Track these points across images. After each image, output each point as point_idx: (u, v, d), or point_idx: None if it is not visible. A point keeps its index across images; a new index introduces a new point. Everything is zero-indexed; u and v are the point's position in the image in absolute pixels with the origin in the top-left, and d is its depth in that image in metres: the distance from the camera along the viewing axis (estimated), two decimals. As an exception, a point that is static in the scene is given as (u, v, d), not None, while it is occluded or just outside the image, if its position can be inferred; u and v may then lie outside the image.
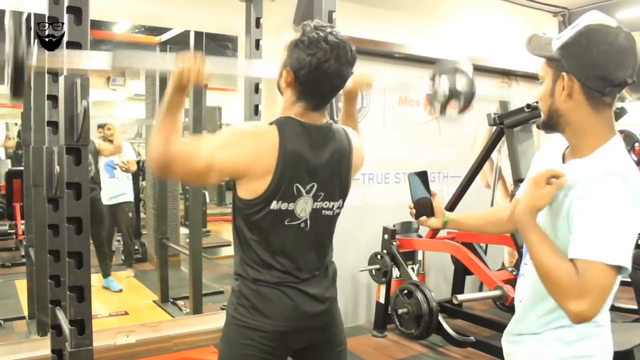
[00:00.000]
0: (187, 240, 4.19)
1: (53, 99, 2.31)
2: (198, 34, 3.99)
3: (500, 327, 2.58)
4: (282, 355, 1.48)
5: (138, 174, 5.56)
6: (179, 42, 4.00)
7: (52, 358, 2.33)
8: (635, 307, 3.63)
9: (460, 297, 3.29)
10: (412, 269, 3.76)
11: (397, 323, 3.45)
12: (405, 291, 3.40)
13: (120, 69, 3.64)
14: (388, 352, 3.55)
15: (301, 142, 1.38)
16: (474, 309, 4.15)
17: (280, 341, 1.42)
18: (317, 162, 1.41)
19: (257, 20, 2.74)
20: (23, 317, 3.65)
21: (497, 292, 3.14)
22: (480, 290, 4.29)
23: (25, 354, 2.93)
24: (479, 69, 4.85)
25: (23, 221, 4.64)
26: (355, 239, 3.94)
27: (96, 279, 4.42)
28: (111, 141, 4.69)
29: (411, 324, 3.36)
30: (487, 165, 4.25)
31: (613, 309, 1.77)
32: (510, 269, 3.51)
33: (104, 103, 5.38)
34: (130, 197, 4.98)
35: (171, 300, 4.19)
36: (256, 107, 2.71)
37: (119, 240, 5.26)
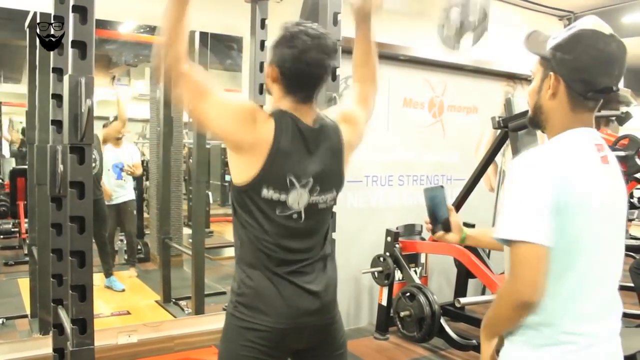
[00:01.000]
0: (190, 240, 4.20)
1: (57, 97, 2.31)
2: (203, 35, 4.00)
3: (502, 331, 2.56)
4: (281, 356, 1.47)
5: (142, 174, 5.57)
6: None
7: (53, 357, 2.34)
8: (639, 312, 3.61)
9: (462, 300, 3.27)
10: (415, 271, 3.75)
11: (399, 326, 3.45)
12: (408, 294, 3.40)
13: None
14: (390, 354, 3.54)
15: (295, 142, 1.40)
16: (476, 312, 4.12)
17: (280, 341, 1.42)
18: (311, 161, 1.42)
19: (263, 21, 2.74)
20: (25, 316, 3.66)
21: (499, 296, 3.12)
22: (483, 293, 4.27)
23: (27, 352, 2.92)
24: (483, 72, 4.83)
25: (27, 219, 4.65)
26: (358, 241, 3.93)
27: (98, 278, 4.41)
28: (119, 139, 4.69)
29: (413, 326, 3.35)
30: (491, 169, 4.23)
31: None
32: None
33: (107, 103, 5.39)
34: (132, 195, 5.00)
35: (173, 300, 4.19)
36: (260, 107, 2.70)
37: (121, 240, 5.28)
